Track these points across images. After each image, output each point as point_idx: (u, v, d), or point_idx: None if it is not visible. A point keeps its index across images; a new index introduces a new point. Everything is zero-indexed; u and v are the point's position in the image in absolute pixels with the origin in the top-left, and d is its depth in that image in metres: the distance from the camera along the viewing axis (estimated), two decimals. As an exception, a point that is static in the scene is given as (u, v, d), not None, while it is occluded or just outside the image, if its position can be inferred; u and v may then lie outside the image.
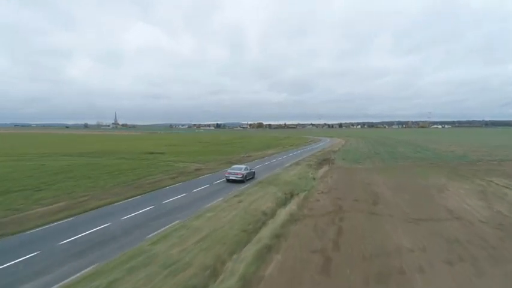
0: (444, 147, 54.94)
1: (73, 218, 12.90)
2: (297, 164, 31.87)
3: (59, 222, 12.26)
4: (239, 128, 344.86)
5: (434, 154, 42.13)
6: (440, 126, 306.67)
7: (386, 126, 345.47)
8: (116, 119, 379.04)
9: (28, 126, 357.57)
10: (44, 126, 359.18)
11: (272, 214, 13.24)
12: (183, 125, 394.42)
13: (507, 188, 18.87)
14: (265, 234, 10.79)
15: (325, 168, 28.52)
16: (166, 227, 11.66)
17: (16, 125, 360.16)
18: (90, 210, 14.03)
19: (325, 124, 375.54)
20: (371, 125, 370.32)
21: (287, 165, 31.15)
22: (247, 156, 40.76)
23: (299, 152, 48.98)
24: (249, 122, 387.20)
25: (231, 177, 21.20)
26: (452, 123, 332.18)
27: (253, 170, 23.89)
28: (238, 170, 21.85)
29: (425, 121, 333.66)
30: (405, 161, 34.73)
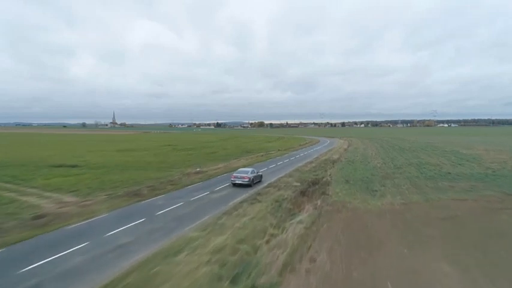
0: (482, 153, 40.03)
1: None
2: (255, 199, 16.56)
3: None
4: (239, 127, 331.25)
5: (484, 168, 27.18)
6: (446, 125, 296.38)
7: (391, 125, 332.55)
8: (113, 118, 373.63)
9: (29, 125, 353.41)
10: (45, 125, 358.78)
11: None
12: (182, 124, 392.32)
13: None
14: None
15: (307, 213, 13.83)
16: None
17: (18, 124, 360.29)
18: None
19: (327, 123, 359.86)
20: (375, 124, 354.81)
21: (235, 201, 16.46)
22: (195, 173, 26.17)
23: (281, 163, 33.94)
24: (250, 121, 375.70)
25: (237, 181, 19.93)
26: (458, 122, 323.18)
27: (261, 173, 22.48)
28: (245, 173, 20.44)
29: (431, 120, 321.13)
30: (451, 184, 20.07)
